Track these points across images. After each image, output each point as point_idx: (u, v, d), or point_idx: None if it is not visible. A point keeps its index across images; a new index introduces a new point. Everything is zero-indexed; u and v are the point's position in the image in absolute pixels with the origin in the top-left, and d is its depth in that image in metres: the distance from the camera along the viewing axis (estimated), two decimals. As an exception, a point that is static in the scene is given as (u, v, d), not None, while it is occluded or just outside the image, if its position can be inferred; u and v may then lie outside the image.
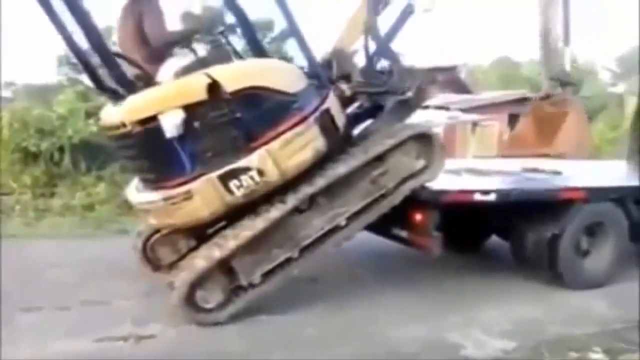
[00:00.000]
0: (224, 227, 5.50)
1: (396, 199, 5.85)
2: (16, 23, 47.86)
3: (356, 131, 6.33)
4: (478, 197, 6.11)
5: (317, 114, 5.43)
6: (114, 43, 5.92)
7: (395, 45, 6.61)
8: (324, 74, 6.08)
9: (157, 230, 6.17)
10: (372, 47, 6.53)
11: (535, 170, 7.69)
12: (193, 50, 5.56)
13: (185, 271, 5.20)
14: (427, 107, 8.48)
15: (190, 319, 5.14)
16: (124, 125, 4.88)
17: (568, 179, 7.23)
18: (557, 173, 7.54)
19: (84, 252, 7.80)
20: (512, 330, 5.37)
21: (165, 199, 5.01)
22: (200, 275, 5.10)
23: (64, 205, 10.64)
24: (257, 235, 5.20)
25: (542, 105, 7.87)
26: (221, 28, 5.88)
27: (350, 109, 6.39)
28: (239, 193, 5.03)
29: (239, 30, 5.70)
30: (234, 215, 5.29)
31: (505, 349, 5.00)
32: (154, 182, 5.18)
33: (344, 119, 5.95)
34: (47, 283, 6.34)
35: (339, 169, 5.52)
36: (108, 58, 4.95)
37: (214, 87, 4.87)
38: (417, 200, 5.97)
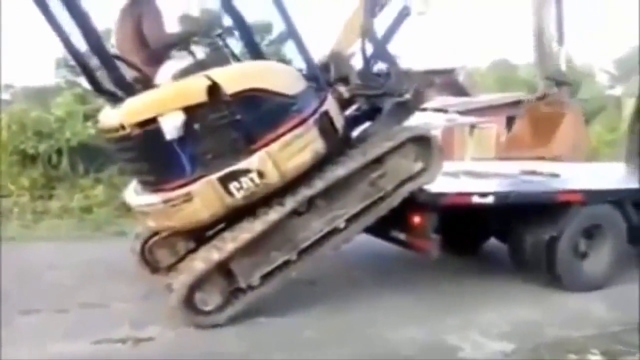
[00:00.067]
0: (222, 230, 5.50)
1: (394, 201, 5.85)
2: (14, 25, 47.79)
3: (355, 133, 6.33)
4: (476, 199, 6.12)
5: (316, 116, 5.44)
6: (112, 45, 5.91)
7: (392, 48, 6.62)
8: (322, 76, 6.08)
9: (156, 233, 6.17)
10: (369, 49, 6.53)
11: (533, 172, 7.70)
12: (191, 53, 5.56)
13: (183, 273, 5.20)
14: (425, 109, 8.47)
15: (188, 321, 5.14)
16: (123, 127, 4.88)
17: (566, 182, 7.23)
18: (555, 175, 7.55)
19: (82, 254, 7.79)
20: (510, 333, 5.37)
21: (165, 202, 5.01)
22: (198, 277, 5.10)
23: (62, 208, 10.65)
24: (256, 237, 5.20)
25: (539, 106, 7.88)
26: (219, 31, 5.88)
27: (349, 112, 6.39)
28: (239, 195, 5.04)
29: (236, 32, 5.69)
30: (233, 217, 5.29)
31: (504, 351, 5.00)
32: (153, 184, 5.18)
33: (342, 121, 5.95)
34: (45, 285, 6.34)
35: (338, 171, 5.52)
36: (107, 60, 4.95)
37: (213, 89, 4.88)
38: (416, 202, 5.98)
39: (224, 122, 4.96)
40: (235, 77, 5.11)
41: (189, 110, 4.85)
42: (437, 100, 9.79)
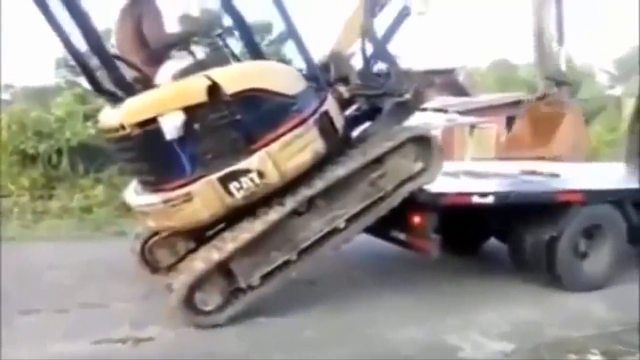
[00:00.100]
0: (222, 230, 5.50)
1: (395, 201, 5.85)
2: (14, 25, 47.79)
3: (355, 133, 6.33)
4: (476, 199, 6.12)
5: (316, 116, 5.44)
6: (112, 45, 5.91)
7: (392, 48, 6.62)
8: (322, 76, 6.08)
9: (156, 233, 6.17)
10: (369, 49, 6.53)
11: (533, 172, 7.70)
12: (191, 53, 5.56)
13: (184, 273, 5.20)
14: (425, 109, 8.47)
15: (188, 321, 5.14)
16: (123, 127, 4.88)
17: (566, 182, 7.23)
18: (555, 175, 7.55)
19: (82, 254, 7.79)
20: (510, 333, 5.37)
21: (165, 201, 5.01)
22: (199, 277, 5.10)
23: (62, 208, 10.65)
24: (256, 237, 5.20)
25: (539, 106, 7.88)
26: (219, 31, 5.88)
27: (349, 112, 6.39)
28: (239, 195, 5.04)
29: (236, 32, 5.69)
30: (233, 217, 5.29)
31: (504, 351, 5.00)
32: (153, 184, 5.18)
33: (342, 121, 5.95)
34: (45, 285, 6.34)
35: (338, 171, 5.52)
36: (107, 60, 4.95)
37: (214, 89, 4.88)
38: (416, 202, 5.98)
39: (224, 122, 4.96)
40: (235, 77, 5.11)
41: (189, 110, 4.85)
42: (437, 100, 9.79)
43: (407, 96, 6.39)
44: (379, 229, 6.23)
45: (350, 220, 5.70)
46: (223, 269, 5.24)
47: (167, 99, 4.91)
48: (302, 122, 5.32)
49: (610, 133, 20.31)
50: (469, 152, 17.24)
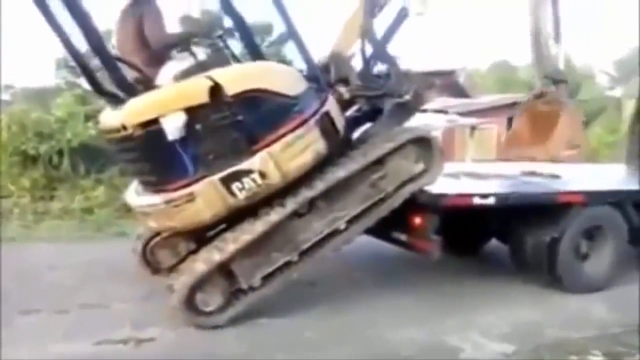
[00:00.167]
0: (223, 230, 5.50)
1: (395, 202, 5.86)
2: (15, 26, 47.81)
3: (355, 134, 6.34)
4: (477, 200, 6.12)
5: (317, 116, 5.45)
6: (113, 46, 5.91)
7: (392, 49, 6.63)
8: (323, 77, 6.09)
9: (157, 233, 6.17)
10: (369, 50, 6.54)
11: (533, 173, 7.71)
12: (192, 54, 5.57)
13: (185, 274, 5.20)
14: (425, 110, 8.48)
15: (189, 322, 5.14)
16: (124, 128, 4.88)
17: (567, 183, 7.24)
18: (556, 177, 7.56)
19: (82, 255, 7.78)
20: (510, 334, 5.38)
21: (167, 202, 5.01)
22: (200, 278, 5.10)
23: (62, 209, 10.63)
24: (257, 238, 5.21)
25: (536, 104, 7.86)
26: (220, 32, 5.88)
27: (349, 113, 6.40)
28: (241, 195, 5.04)
29: (236, 34, 5.70)
30: (234, 218, 5.29)
31: (504, 353, 5.01)
32: (155, 185, 5.17)
33: (343, 122, 5.96)
34: (46, 286, 6.33)
35: (339, 172, 5.53)
36: (108, 61, 4.95)
37: (215, 89, 4.89)
38: (417, 203, 5.98)
39: (225, 122, 4.96)
40: (236, 78, 5.11)
41: (190, 110, 4.85)
42: (437, 101, 9.78)
43: (407, 97, 6.40)
44: (379, 230, 6.22)
45: (351, 221, 5.70)
46: (224, 269, 5.24)
47: (169, 100, 4.92)
48: (304, 122, 5.33)
49: (610, 134, 20.33)
50: (469, 154, 17.24)
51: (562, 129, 7.51)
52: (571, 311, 6.09)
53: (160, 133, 4.80)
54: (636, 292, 6.36)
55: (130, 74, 5.26)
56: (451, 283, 6.76)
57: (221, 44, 5.72)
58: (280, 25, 5.86)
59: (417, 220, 6.02)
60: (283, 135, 5.18)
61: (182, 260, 6.05)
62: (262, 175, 5.07)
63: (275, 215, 5.26)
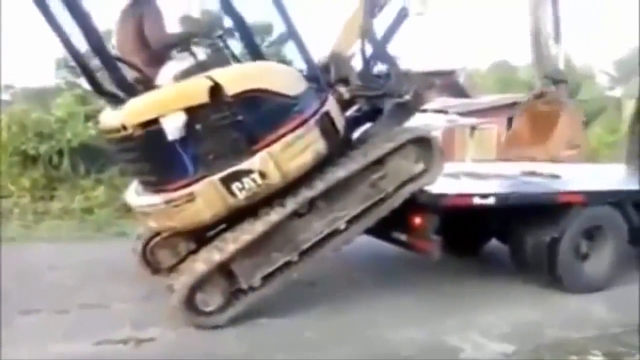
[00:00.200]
0: (223, 230, 5.51)
1: (395, 202, 5.86)
2: (15, 26, 47.81)
3: (355, 134, 6.34)
4: (477, 200, 6.12)
5: (317, 116, 5.45)
6: (113, 46, 5.91)
7: (392, 49, 6.63)
8: (323, 77, 6.09)
9: (157, 233, 6.18)
10: (369, 50, 6.54)
11: (533, 173, 7.71)
12: (192, 54, 5.57)
13: (185, 274, 5.20)
14: (425, 110, 8.47)
15: (190, 322, 5.14)
16: (125, 128, 4.88)
17: (567, 183, 7.24)
18: (556, 177, 7.56)
19: (82, 255, 7.79)
20: (511, 334, 5.38)
21: (167, 202, 5.01)
22: (200, 278, 5.10)
23: (63, 209, 10.63)
24: (257, 238, 5.21)
25: (536, 104, 7.86)
26: (220, 32, 5.88)
27: (349, 112, 6.40)
28: (241, 195, 5.04)
29: (236, 34, 5.70)
30: (234, 218, 5.29)
31: (504, 353, 5.01)
32: (155, 185, 5.17)
33: (343, 122, 5.96)
34: (46, 286, 6.33)
35: (339, 172, 5.53)
36: (108, 61, 4.95)
37: (215, 89, 4.89)
38: (417, 203, 5.98)
39: (225, 122, 4.96)
40: (236, 78, 5.11)
41: (190, 110, 4.85)
42: (437, 101, 9.78)
43: (407, 97, 6.40)
44: (379, 230, 6.22)
45: (351, 221, 5.70)
46: (224, 269, 5.24)
47: (169, 100, 4.92)
48: (304, 122, 5.33)
49: (610, 134, 20.33)
50: (469, 154, 17.24)
51: (562, 129, 7.51)
52: (571, 311, 6.09)
53: (161, 133, 4.80)
54: (636, 292, 6.36)
55: (130, 74, 5.26)
56: (451, 283, 6.76)
57: (221, 44, 5.72)
58: (280, 25, 5.87)
59: (417, 220, 6.02)
60: (283, 135, 5.19)
61: (182, 260, 6.05)
62: (262, 175, 5.07)
63: (275, 215, 5.26)
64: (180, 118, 4.81)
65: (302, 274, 5.66)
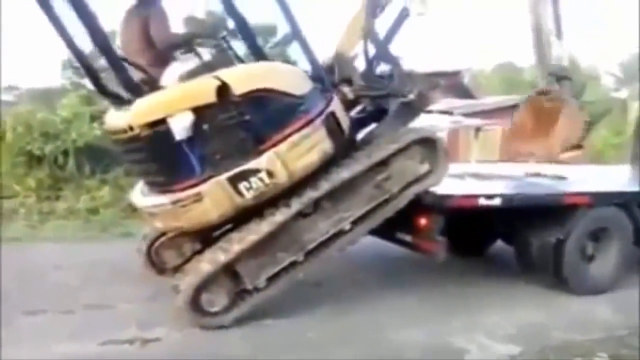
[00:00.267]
0: (229, 231, 5.51)
1: (400, 203, 5.85)
2: (20, 26, 47.99)
3: (360, 135, 6.34)
4: (482, 201, 6.11)
5: (323, 116, 5.45)
6: (118, 47, 5.92)
7: (396, 50, 6.64)
8: (327, 77, 6.09)
9: (162, 234, 6.18)
10: (372, 51, 6.54)
11: (539, 175, 7.69)
12: (197, 54, 5.57)
13: (190, 275, 5.21)
14: (430, 111, 8.46)
15: (195, 322, 5.14)
16: (131, 128, 4.88)
17: (572, 184, 7.23)
18: (562, 178, 7.54)
19: (88, 255, 7.80)
20: (516, 335, 5.37)
21: (174, 202, 5.01)
22: (205, 278, 5.10)
23: (68, 209, 10.65)
24: (262, 239, 5.21)
25: (539, 100, 7.83)
26: (224, 33, 5.89)
27: (353, 113, 6.40)
28: (248, 195, 5.05)
29: (240, 34, 5.71)
30: (240, 218, 5.29)
31: (510, 354, 5.00)
32: (162, 185, 5.17)
33: (348, 122, 5.96)
34: (51, 286, 6.33)
35: (344, 173, 5.53)
36: (115, 61, 4.96)
37: (223, 89, 4.89)
38: (422, 204, 5.98)
39: (232, 122, 4.96)
40: (243, 78, 5.11)
41: (198, 110, 4.85)
42: (442, 102, 9.78)
43: (411, 96, 6.39)
44: (384, 230, 6.22)
45: (356, 222, 5.70)
46: (229, 270, 5.24)
47: (176, 100, 4.92)
48: (310, 122, 5.34)
49: (615, 136, 20.27)
50: (474, 155, 17.21)
51: (563, 127, 7.48)
52: (576, 313, 6.08)
53: (168, 133, 4.81)
54: (642, 294, 6.35)
55: (135, 75, 5.27)
56: (456, 284, 6.76)
57: (225, 45, 5.73)
58: (284, 26, 5.87)
59: (422, 221, 6.02)
60: (290, 135, 5.19)
61: (188, 260, 6.06)
62: (270, 174, 5.07)
63: (280, 215, 5.26)
64: (188, 118, 4.81)
65: (308, 275, 5.65)
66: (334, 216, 5.59)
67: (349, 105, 6.29)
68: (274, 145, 5.12)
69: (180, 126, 4.80)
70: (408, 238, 6.31)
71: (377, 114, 6.46)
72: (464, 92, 7.16)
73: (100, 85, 5.34)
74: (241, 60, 5.80)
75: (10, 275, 6.39)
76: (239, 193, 5.03)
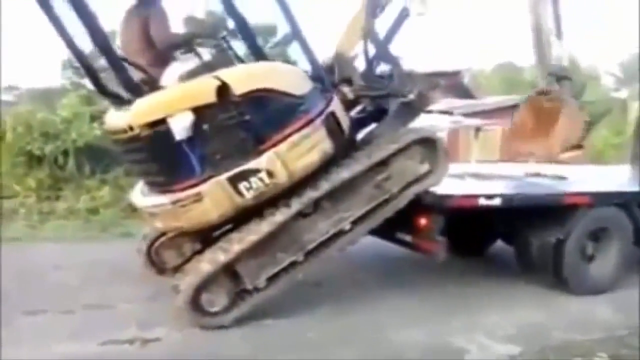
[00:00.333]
0: (229, 231, 5.51)
1: (400, 203, 5.85)
2: (20, 26, 48.00)
3: (360, 135, 6.34)
4: (482, 201, 6.11)
5: (323, 116, 5.45)
6: (117, 47, 5.92)
7: (396, 50, 6.64)
8: (327, 77, 6.09)
9: (162, 234, 6.18)
10: (372, 51, 6.54)
11: (539, 175, 7.69)
12: (197, 54, 5.57)
13: (190, 275, 5.21)
14: (430, 111, 8.46)
15: (195, 322, 5.14)
16: (131, 128, 4.88)
17: (572, 184, 7.23)
18: (562, 178, 7.54)
19: (88, 255, 7.80)
20: (516, 335, 5.37)
21: (174, 202, 5.01)
22: (205, 278, 5.11)
23: (68, 209, 10.65)
24: (262, 239, 5.21)
25: (539, 99, 7.83)
26: (224, 33, 5.89)
27: (353, 113, 6.40)
28: (248, 195, 5.05)
29: (239, 34, 5.71)
30: (239, 218, 5.29)
31: (510, 354, 5.00)
32: (162, 185, 5.17)
33: (348, 122, 5.96)
34: (51, 286, 6.34)
35: (343, 173, 5.53)
36: (115, 61, 4.96)
37: (223, 89, 4.89)
38: (422, 204, 5.98)
39: (233, 122, 4.96)
40: (243, 78, 5.11)
41: (198, 110, 4.85)
42: (442, 102, 9.77)
43: (411, 96, 6.39)
44: (384, 230, 6.22)
45: (356, 222, 5.70)
46: (229, 270, 5.25)
47: (177, 100, 4.92)
48: (310, 122, 5.34)
49: (615, 136, 20.28)
50: (474, 155, 17.22)
51: (562, 127, 7.49)
52: (576, 313, 6.08)
53: (168, 133, 4.80)
54: (642, 294, 6.35)
55: (135, 75, 5.27)
56: (456, 284, 6.76)
57: (225, 45, 5.73)
58: (285, 26, 5.87)
59: (423, 221, 6.02)
60: (290, 135, 5.19)
61: (188, 260, 6.06)
62: (270, 174, 5.07)
63: (280, 215, 5.26)
64: (188, 118, 4.81)
65: (308, 275, 5.65)
66: (334, 216, 5.60)
67: (349, 105, 6.29)
68: (274, 145, 5.12)
69: (181, 126, 4.79)
70: (408, 238, 6.31)
71: (377, 114, 6.46)
72: (464, 92, 7.16)
73: (100, 85, 5.34)
74: (241, 61, 5.80)
75: (10, 275, 6.39)
76: (239, 193, 5.03)
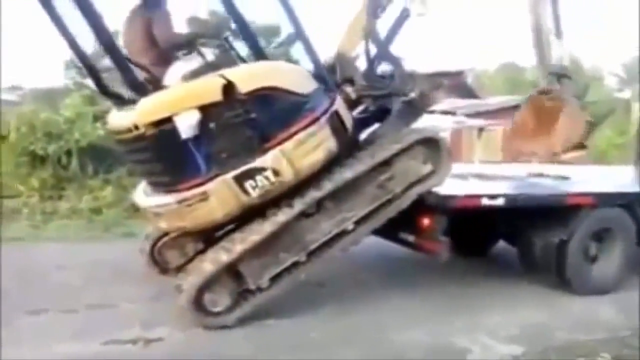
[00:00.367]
0: (232, 231, 5.51)
1: (403, 203, 5.85)
2: (23, 26, 48.09)
3: (363, 135, 6.34)
4: (485, 202, 6.11)
5: (327, 115, 5.45)
6: (121, 47, 5.92)
7: (398, 50, 6.64)
8: (330, 77, 6.09)
9: (165, 234, 6.19)
10: (373, 51, 6.54)
11: (542, 175, 7.68)
12: (200, 54, 5.57)
13: (193, 275, 5.21)
14: (433, 111, 8.45)
15: (198, 322, 5.15)
16: (136, 128, 4.87)
17: (576, 185, 7.21)
18: (565, 178, 7.52)
19: (90, 255, 7.82)
20: (519, 335, 5.36)
21: (180, 202, 5.01)
22: (208, 278, 5.11)
23: (71, 209, 10.68)
24: (265, 239, 5.21)
25: (540, 99, 7.83)
26: (227, 33, 5.90)
27: (356, 113, 6.40)
28: (254, 193, 5.05)
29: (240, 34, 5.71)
30: (242, 218, 5.29)
31: (513, 354, 5.00)
32: (167, 184, 5.16)
33: (351, 121, 5.96)
34: (54, 285, 6.34)
35: (347, 173, 5.53)
36: (120, 61, 4.96)
37: (229, 88, 4.89)
38: (425, 205, 5.97)
39: (238, 120, 4.96)
40: (249, 76, 5.12)
41: (204, 109, 4.85)
42: (445, 102, 9.76)
43: (412, 95, 6.38)
44: (387, 231, 6.21)
45: (358, 222, 5.70)
46: (232, 270, 5.25)
47: (182, 98, 4.92)
48: (315, 120, 5.34)
49: (619, 136, 20.25)
50: (477, 155, 17.21)
51: (563, 126, 7.48)
52: (579, 313, 6.07)
53: (174, 132, 4.80)
54: (645, 295, 6.34)
55: (139, 74, 5.27)
56: (459, 284, 6.75)
57: (227, 45, 5.73)
58: (288, 26, 5.87)
59: (425, 221, 6.01)
60: (295, 133, 5.20)
61: (190, 260, 6.07)
62: (275, 172, 5.07)
63: (283, 215, 5.26)
64: (194, 116, 4.81)
65: (310, 275, 5.65)
66: (336, 216, 5.59)
67: (351, 105, 6.29)
68: (280, 143, 5.12)
69: (186, 125, 4.79)
70: (411, 238, 6.30)
71: (380, 114, 6.46)
72: (467, 92, 7.16)
73: (102, 86, 5.34)
74: (244, 61, 5.80)
75: (13, 275, 6.41)
76: (245, 192, 5.03)
